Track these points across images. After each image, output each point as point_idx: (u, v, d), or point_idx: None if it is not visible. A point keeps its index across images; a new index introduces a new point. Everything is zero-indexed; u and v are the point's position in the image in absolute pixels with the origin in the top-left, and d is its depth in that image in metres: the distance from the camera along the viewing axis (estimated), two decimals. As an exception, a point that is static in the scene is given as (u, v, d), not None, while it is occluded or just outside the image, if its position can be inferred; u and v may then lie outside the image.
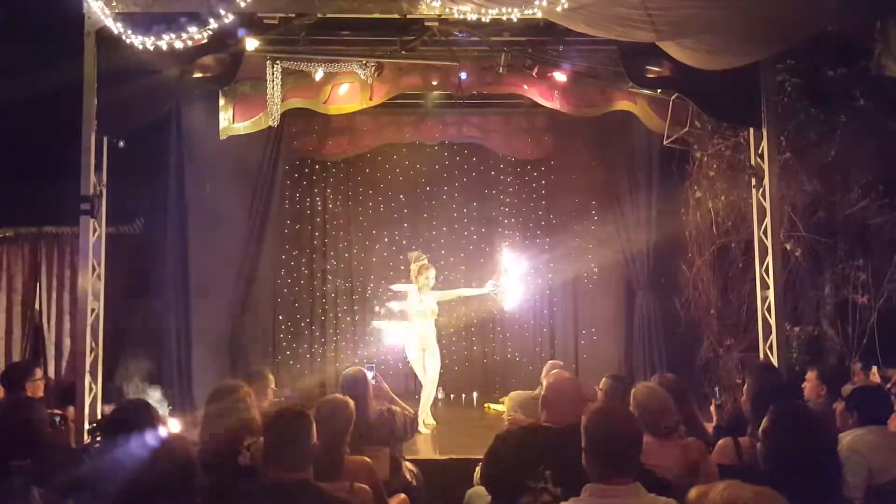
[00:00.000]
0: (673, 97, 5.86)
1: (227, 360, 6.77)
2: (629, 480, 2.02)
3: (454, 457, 4.93)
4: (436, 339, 6.05)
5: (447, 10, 4.52)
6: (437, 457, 5.02)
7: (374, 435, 3.29)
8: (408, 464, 3.63)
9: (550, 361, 4.39)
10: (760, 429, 2.23)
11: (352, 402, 2.80)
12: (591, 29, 4.40)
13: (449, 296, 6.31)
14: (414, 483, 3.52)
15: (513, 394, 4.15)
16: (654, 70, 5.36)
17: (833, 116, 6.42)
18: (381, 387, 3.80)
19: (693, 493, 1.67)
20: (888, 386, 5.18)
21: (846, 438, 2.82)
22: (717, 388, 5.46)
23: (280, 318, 7.72)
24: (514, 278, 6.07)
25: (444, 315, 7.70)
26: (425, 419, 5.93)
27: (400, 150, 7.87)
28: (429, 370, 5.95)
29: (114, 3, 4.64)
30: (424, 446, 5.37)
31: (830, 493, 2.02)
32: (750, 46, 4.45)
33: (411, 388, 7.73)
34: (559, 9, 3.93)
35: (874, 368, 5.76)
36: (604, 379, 3.87)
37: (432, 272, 6.02)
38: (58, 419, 3.12)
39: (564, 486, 2.30)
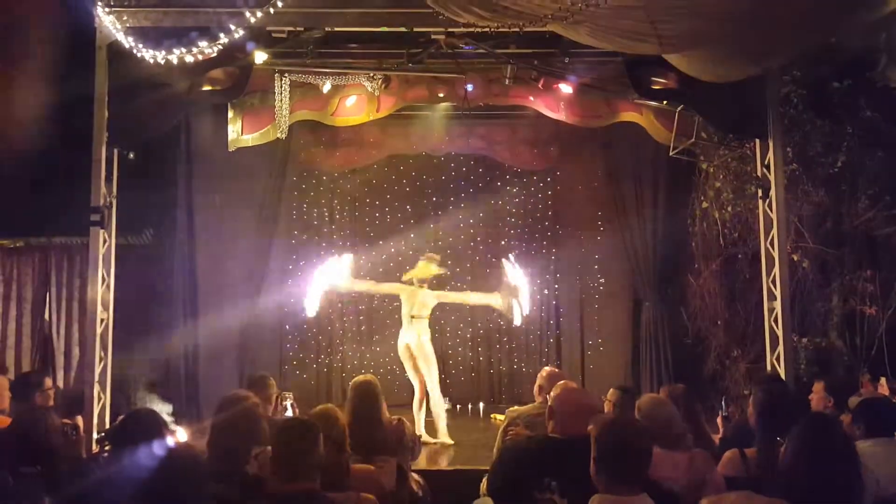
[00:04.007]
0: (678, 108, 5.89)
1: (235, 370, 6.79)
2: (637, 492, 2.02)
3: (460, 467, 4.92)
4: (420, 339, 5.76)
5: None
6: (444, 467, 5.02)
7: (384, 444, 3.28)
8: (414, 475, 3.62)
9: (546, 368, 4.33)
10: (786, 442, 2.19)
11: (338, 410, 2.80)
12: (596, 41, 4.43)
13: (451, 297, 6.13)
14: (420, 494, 3.51)
15: (509, 410, 4.10)
16: (659, 82, 5.38)
17: (839, 127, 6.42)
18: None
19: (704, 502, 1.67)
20: (897, 398, 5.14)
21: (853, 450, 2.80)
22: (723, 400, 5.44)
23: (287, 327, 7.75)
24: (524, 294, 5.91)
25: (451, 324, 7.76)
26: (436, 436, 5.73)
27: (407, 162, 7.91)
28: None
29: (125, 18, 4.73)
30: (431, 457, 5.36)
31: None
32: (755, 58, 4.47)
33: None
34: (564, 21, 3.96)
35: (882, 380, 5.71)
36: (612, 390, 3.85)
37: (420, 263, 5.92)
38: (70, 429, 3.14)
39: (571, 498, 2.30)
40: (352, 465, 2.70)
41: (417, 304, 5.82)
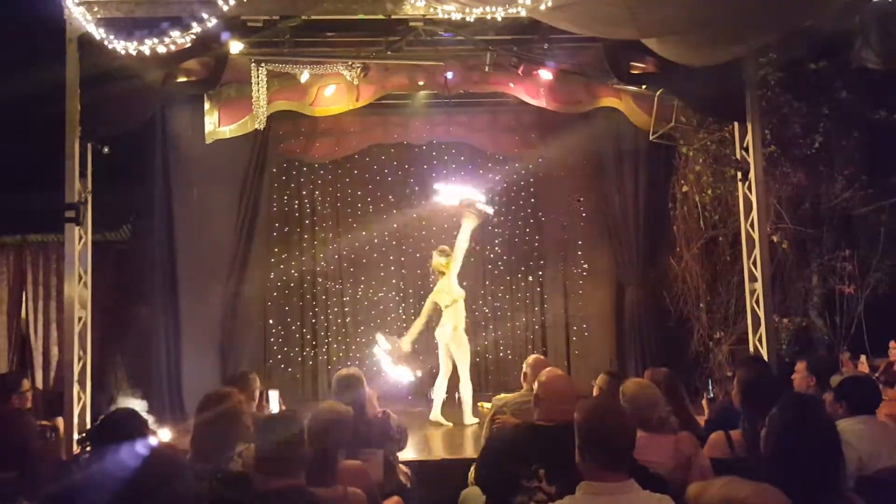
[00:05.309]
0: (658, 93, 5.89)
1: (218, 366, 6.72)
2: (623, 477, 2.01)
3: (448, 457, 4.93)
4: (453, 327, 5.98)
5: (432, 9, 4.52)
6: (431, 458, 5.01)
7: (370, 437, 3.27)
8: (402, 466, 3.62)
9: (532, 356, 4.37)
10: (766, 424, 2.21)
11: (350, 411, 2.79)
12: (574, 27, 4.42)
13: (456, 260, 6.13)
14: (408, 485, 3.51)
15: (496, 398, 4.12)
16: (638, 66, 5.39)
17: (816, 109, 6.49)
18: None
19: (691, 489, 1.67)
20: (876, 375, 5.24)
21: (836, 428, 2.84)
22: (709, 382, 5.50)
23: (270, 322, 7.68)
24: (471, 194, 6.12)
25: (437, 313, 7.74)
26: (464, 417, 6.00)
27: (388, 151, 7.85)
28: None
29: (95, 9, 4.60)
30: (418, 447, 5.36)
31: (832, 486, 2.01)
32: (731, 42, 4.49)
33: (404, 390, 7.74)
34: (543, 7, 3.94)
35: (862, 358, 5.83)
36: (601, 375, 3.88)
37: (434, 257, 6.10)
38: (48, 431, 3.08)
39: (558, 485, 2.30)
40: (340, 460, 2.68)
41: (444, 295, 6.02)
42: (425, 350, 6.84)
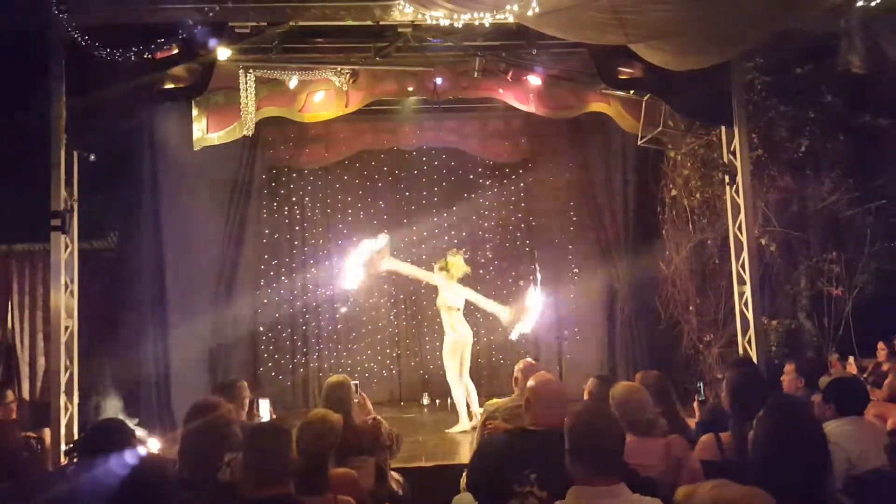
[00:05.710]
0: (646, 98, 5.93)
1: (207, 375, 6.67)
2: (614, 481, 2.01)
3: (440, 463, 4.91)
4: (451, 328, 5.99)
5: (420, 16, 4.54)
6: (424, 464, 4.99)
7: (360, 444, 3.25)
8: (393, 473, 3.60)
9: (524, 360, 4.37)
10: (754, 425, 2.22)
11: (340, 419, 2.77)
12: (562, 32, 4.44)
13: (471, 296, 6.18)
14: (400, 492, 3.49)
15: (488, 403, 4.11)
16: (626, 71, 5.42)
17: (802, 112, 6.56)
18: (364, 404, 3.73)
19: (680, 492, 1.67)
20: (864, 376, 5.29)
21: (824, 430, 2.85)
22: (700, 384, 5.52)
23: (261, 329, 7.64)
24: (531, 319, 6.06)
25: (429, 319, 7.74)
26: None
27: (378, 157, 7.85)
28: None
29: (81, 16, 4.58)
30: (411, 454, 5.34)
31: (819, 488, 2.02)
32: (718, 47, 4.52)
33: (396, 396, 7.73)
34: (530, 13, 3.96)
35: (850, 359, 5.88)
36: (591, 379, 3.87)
37: (447, 258, 6.09)
38: (34, 443, 3.04)
39: (550, 490, 2.29)
40: (330, 468, 2.66)
41: (459, 296, 6.01)
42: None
